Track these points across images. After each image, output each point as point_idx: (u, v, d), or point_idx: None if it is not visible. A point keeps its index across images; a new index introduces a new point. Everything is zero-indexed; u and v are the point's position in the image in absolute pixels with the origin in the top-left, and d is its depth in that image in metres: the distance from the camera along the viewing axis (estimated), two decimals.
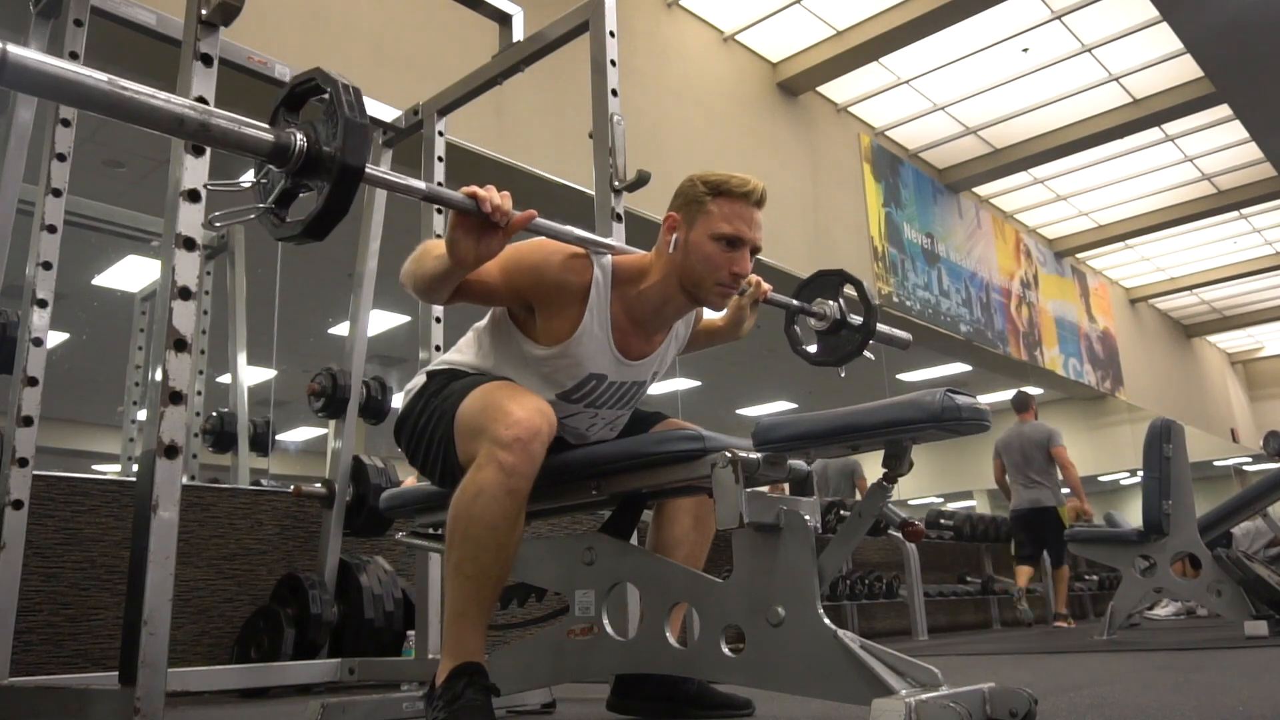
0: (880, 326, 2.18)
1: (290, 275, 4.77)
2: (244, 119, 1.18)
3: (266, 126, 1.21)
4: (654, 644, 1.51)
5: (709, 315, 1.93)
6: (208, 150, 1.76)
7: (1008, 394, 12.58)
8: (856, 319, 2.12)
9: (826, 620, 1.30)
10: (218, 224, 1.28)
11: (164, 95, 1.12)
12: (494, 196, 1.40)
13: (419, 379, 1.74)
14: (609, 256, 1.65)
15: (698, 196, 1.61)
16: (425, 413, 1.65)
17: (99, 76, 1.07)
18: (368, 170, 1.22)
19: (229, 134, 1.16)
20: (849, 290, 2.13)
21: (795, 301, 2.12)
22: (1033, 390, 12.05)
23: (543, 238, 1.60)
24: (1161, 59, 7.99)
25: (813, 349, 2.19)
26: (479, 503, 1.43)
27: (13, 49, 1.00)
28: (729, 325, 1.90)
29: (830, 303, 2.14)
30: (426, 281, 1.53)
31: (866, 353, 2.13)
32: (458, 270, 1.47)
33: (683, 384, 8.84)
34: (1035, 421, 5.89)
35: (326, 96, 1.20)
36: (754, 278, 1.78)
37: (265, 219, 1.25)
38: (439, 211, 3.02)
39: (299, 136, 1.20)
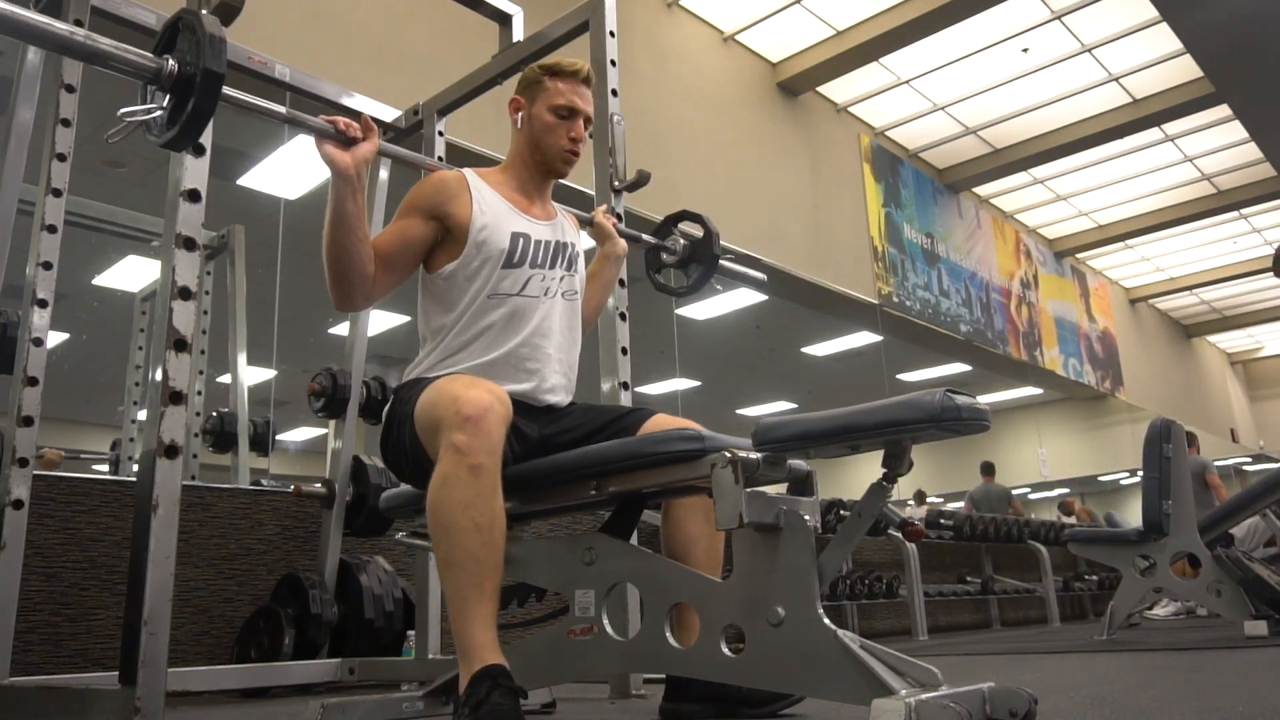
0: (733, 265, 2.48)
1: (290, 275, 4.77)
2: (125, 46, 1.39)
3: (144, 53, 1.40)
4: (654, 644, 1.51)
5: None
6: (208, 151, 1.77)
7: (1008, 394, 12.61)
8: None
9: (826, 620, 1.30)
10: (112, 140, 1.45)
11: (58, 23, 1.33)
12: (345, 118, 1.65)
13: (392, 398, 1.79)
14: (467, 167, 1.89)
15: (536, 78, 1.87)
16: (394, 422, 1.70)
17: None
18: (227, 91, 1.46)
19: (109, 56, 1.37)
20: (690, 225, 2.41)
21: (651, 239, 2.40)
22: (1032, 390, 12.13)
23: None
24: (1161, 59, 8.00)
25: (678, 285, 2.47)
26: (446, 489, 1.44)
27: None
28: (602, 248, 2.10)
29: (681, 240, 2.40)
30: (332, 223, 1.63)
31: (715, 284, 2.42)
32: (346, 186, 1.61)
33: (683, 384, 8.85)
34: (1195, 455, 6.97)
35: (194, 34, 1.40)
36: (597, 211, 2.11)
37: (151, 126, 1.44)
38: None
39: (171, 61, 1.40)
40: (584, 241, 2.12)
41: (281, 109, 1.62)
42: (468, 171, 1.85)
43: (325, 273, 1.66)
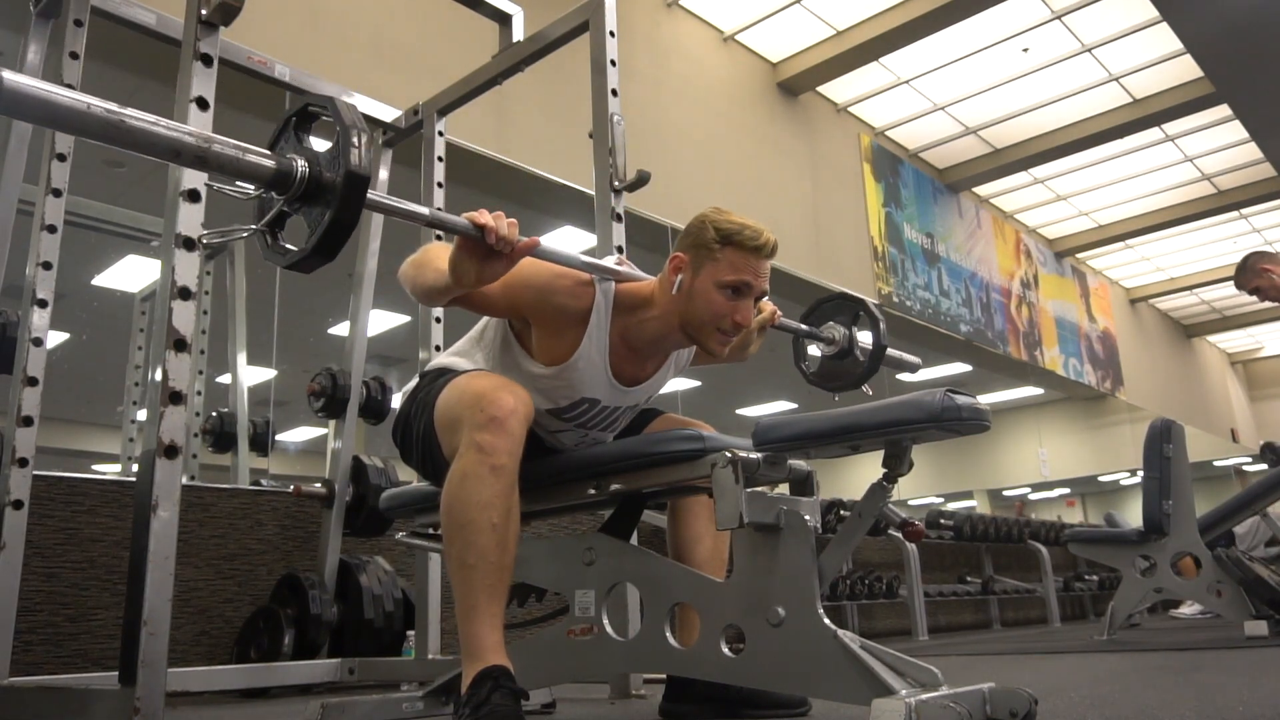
0: (896, 354, 2.16)
1: (290, 275, 4.74)
2: (244, 145, 1.16)
3: (267, 153, 1.18)
4: (654, 644, 1.51)
5: None
6: None
7: (1008, 394, 12.59)
8: (865, 345, 2.12)
9: (826, 620, 1.30)
10: (206, 240, 1.26)
11: (165, 123, 1.09)
12: (500, 226, 1.37)
13: (414, 380, 1.77)
14: (612, 282, 1.63)
15: (707, 243, 1.58)
16: (413, 409, 1.69)
17: (97, 104, 1.04)
18: (370, 196, 1.19)
19: (227, 161, 1.14)
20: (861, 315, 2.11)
21: (804, 326, 2.13)
22: (1032, 390, 12.12)
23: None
24: (1161, 59, 7.99)
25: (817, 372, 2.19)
26: (466, 486, 1.43)
27: (8, 75, 0.97)
28: (734, 348, 1.90)
29: (840, 328, 2.12)
30: (425, 290, 1.55)
31: (865, 388, 2.11)
32: (457, 289, 1.47)
33: (683, 384, 8.84)
34: None
35: (330, 120, 1.18)
36: (766, 304, 1.80)
37: (259, 240, 1.23)
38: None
39: (300, 163, 1.17)
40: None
41: (424, 210, 1.36)
42: (604, 299, 1.60)
43: (406, 278, 1.60)
